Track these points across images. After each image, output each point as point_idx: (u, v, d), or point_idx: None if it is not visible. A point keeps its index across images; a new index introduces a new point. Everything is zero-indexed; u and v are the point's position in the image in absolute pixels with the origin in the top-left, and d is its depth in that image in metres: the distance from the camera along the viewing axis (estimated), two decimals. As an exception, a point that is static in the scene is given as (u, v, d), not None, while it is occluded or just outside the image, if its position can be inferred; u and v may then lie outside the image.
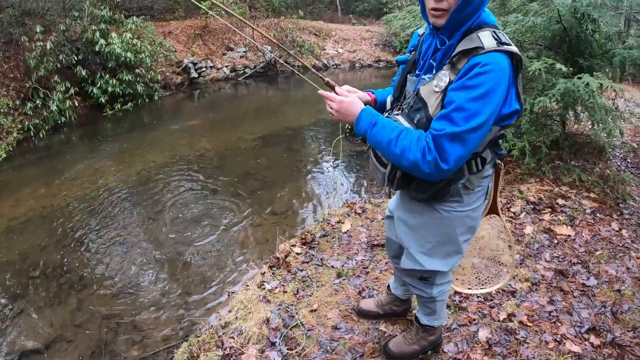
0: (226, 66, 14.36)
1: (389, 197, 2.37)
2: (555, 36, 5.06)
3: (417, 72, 1.76)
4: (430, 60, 1.67)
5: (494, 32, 1.50)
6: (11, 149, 8.72)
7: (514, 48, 1.49)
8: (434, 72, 1.64)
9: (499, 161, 1.80)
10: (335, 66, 15.41)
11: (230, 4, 15.27)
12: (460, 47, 1.52)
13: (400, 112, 1.76)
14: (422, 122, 1.61)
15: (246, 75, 14.32)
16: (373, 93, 2.06)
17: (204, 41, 14.98)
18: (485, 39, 1.48)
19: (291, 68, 2.70)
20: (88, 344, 3.76)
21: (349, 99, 1.74)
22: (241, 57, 14.90)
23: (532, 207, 4.37)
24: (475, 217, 1.88)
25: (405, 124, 1.65)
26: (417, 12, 6.24)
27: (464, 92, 1.45)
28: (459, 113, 1.45)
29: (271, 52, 14.63)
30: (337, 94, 1.81)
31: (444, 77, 1.55)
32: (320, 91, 1.86)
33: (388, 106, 1.97)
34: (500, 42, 1.47)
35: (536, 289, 3.16)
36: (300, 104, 11.45)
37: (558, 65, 4.09)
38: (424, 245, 1.94)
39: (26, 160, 8.49)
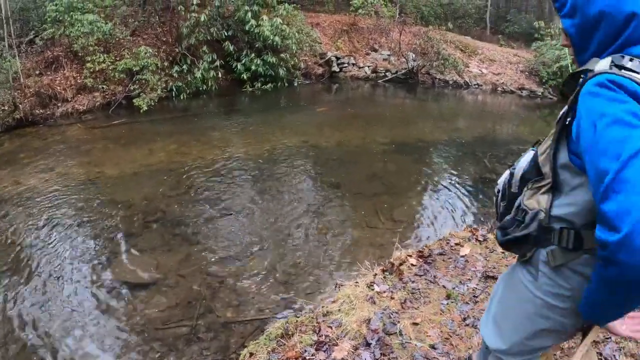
0: (368, 66, 14.68)
1: None
2: None
3: None
4: None
5: None
6: (152, 104, 9.81)
7: None
8: None
9: None
10: (476, 86, 14.92)
11: (381, 5, 15.71)
12: None
13: None
14: None
15: (386, 78, 14.49)
16: None
17: (349, 38, 15.48)
18: None
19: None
20: (187, 294, 4.00)
21: None
22: (384, 59, 15.11)
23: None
24: (546, 317, 1.52)
25: None
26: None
27: None
28: None
29: (414, 60, 14.60)
30: None
31: None
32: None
33: None
34: None
35: (639, 366, 2.87)
36: (437, 118, 11.25)
37: None
38: (492, 301, 1.81)
39: (164, 116, 9.48)
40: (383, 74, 14.61)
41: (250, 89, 11.95)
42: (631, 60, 1.24)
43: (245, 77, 11.80)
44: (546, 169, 1.44)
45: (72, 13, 9.79)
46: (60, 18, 9.87)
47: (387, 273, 3.69)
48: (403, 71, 14.65)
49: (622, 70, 1.21)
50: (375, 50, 15.38)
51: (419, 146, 8.68)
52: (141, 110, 9.41)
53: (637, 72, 1.21)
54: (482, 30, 22.47)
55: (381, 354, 2.74)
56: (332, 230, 5.20)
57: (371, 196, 6.10)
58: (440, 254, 4.02)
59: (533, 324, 1.56)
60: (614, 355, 2.86)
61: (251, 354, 2.90)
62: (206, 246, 4.74)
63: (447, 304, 3.28)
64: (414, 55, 14.87)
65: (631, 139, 1.08)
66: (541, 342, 1.63)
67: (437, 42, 14.99)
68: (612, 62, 1.25)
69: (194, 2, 11.07)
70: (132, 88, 10.12)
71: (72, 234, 4.93)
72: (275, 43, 11.70)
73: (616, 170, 1.07)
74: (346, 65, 14.47)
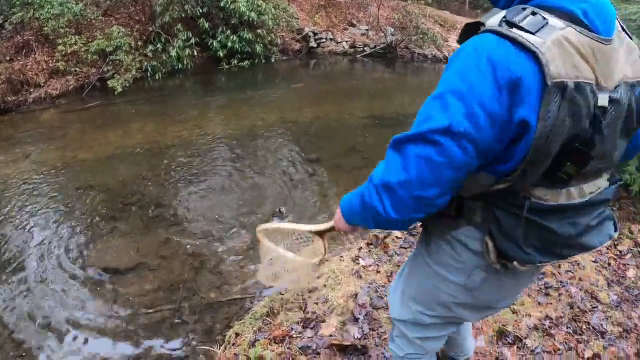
0: (346, 41, 14.44)
1: None
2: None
3: None
4: None
5: None
6: (127, 85, 9.49)
7: None
8: None
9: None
10: (455, 60, 14.95)
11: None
12: None
13: None
14: None
15: (365, 53, 14.30)
16: None
17: (327, 13, 15.20)
18: None
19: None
20: (169, 276, 3.90)
21: None
22: (362, 34, 14.89)
23: (640, 250, 3.91)
24: (442, 291, 1.46)
25: None
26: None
27: None
28: None
29: (393, 35, 14.45)
30: None
31: None
32: None
33: None
34: None
35: (626, 337, 2.93)
36: (415, 91, 11.17)
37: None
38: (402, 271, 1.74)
39: (139, 97, 9.20)
40: (361, 48, 14.40)
41: (227, 66, 11.66)
42: (533, 14, 1.04)
43: (221, 54, 11.50)
44: None
45: (41, -6, 9.38)
46: (30, 0, 9.42)
47: (372, 246, 3.67)
48: (381, 46, 14.46)
49: (513, 29, 1.02)
50: (353, 25, 15.14)
51: (399, 119, 8.60)
52: (116, 92, 9.12)
53: (531, 32, 1.01)
54: (460, 5, 22.55)
55: (370, 328, 2.71)
56: (315, 205, 5.13)
57: (351, 170, 6.02)
58: (426, 225, 3.99)
59: (429, 294, 1.52)
60: (602, 324, 2.90)
61: (237, 334, 2.84)
62: (187, 227, 4.62)
63: (433, 275, 3.26)
64: (392, 30, 14.66)
65: (429, 121, 1.09)
66: (439, 312, 1.55)
67: (416, 17, 14.81)
68: (505, 17, 1.07)
69: (168, -22, 10.70)
70: (105, 69, 9.76)
71: (49, 222, 4.77)
72: (251, 19, 11.34)
73: (403, 141, 1.14)
74: (324, 40, 14.20)
